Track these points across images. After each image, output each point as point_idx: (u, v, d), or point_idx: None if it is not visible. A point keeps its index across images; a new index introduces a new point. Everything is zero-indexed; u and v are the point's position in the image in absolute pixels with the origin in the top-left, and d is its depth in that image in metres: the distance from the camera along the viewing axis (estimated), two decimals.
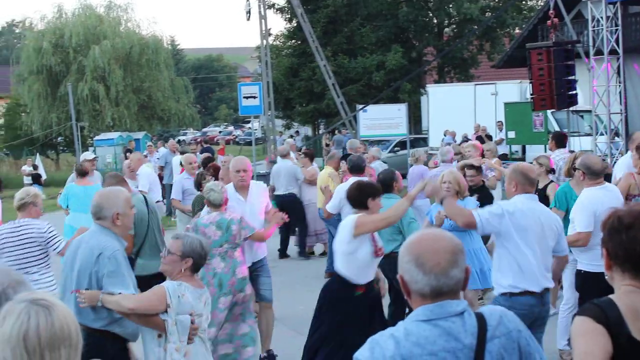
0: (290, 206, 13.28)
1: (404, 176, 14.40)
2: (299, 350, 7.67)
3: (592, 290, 6.79)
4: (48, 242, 7.50)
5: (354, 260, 6.58)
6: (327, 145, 33.06)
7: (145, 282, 6.04)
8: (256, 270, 8.24)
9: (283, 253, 14.53)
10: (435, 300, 2.80)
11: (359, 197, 6.77)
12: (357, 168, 9.82)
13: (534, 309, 5.98)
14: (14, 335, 2.34)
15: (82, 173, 11.69)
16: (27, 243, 7.36)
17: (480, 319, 2.84)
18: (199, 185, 10.23)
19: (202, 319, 4.96)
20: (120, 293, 4.95)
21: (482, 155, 12.08)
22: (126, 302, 4.92)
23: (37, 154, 37.43)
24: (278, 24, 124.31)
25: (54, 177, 36.42)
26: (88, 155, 13.97)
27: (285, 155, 14.84)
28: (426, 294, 2.81)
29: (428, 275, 2.78)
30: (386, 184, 8.54)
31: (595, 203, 6.85)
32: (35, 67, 45.44)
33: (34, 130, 45.92)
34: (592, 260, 6.90)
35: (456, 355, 2.75)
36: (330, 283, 7.01)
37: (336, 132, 34.95)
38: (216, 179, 10.67)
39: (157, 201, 13.42)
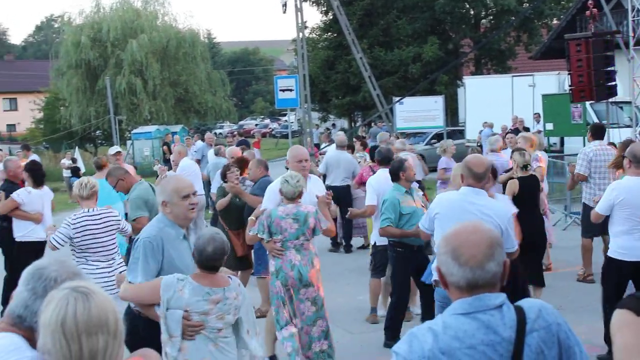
0: (343, 198, 13.29)
1: (436, 169, 14.32)
2: (337, 342, 7.68)
3: (611, 276, 7.33)
4: (121, 227, 8.01)
5: None
6: (364, 137, 33.00)
7: None
8: None
9: (335, 244, 14.35)
10: (471, 293, 2.79)
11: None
12: (386, 160, 9.81)
13: None
14: (52, 321, 2.43)
15: (100, 166, 12.03)
16: (112, 229, 7.83)
17: (519, 312, 2.82)
18: (224, 177, 10.38)
19: (211, 317, 4.91)
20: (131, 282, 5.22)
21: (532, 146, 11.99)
22: (120, 291, 5.24)
23: (76, 147, 37.66)
24: (314, 17, 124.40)
25: (92, 170, 36.60)
26: (111, 150, 14.24)
27: (343, 147, 14.72)
28: (462, 287, 2.80)
29: (463, 268, 2.78)
30: (394, 174, 8.42)
31: (620, 190, 7.26)
32: (74, 62, 45.95)
33: (73, 123, 46.48)
34: (618, 248, 7.31)
35: (495, 348, 2.74)
36: None
37: (372, 124, 34.90)
38: (242, 171, 10.73)
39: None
